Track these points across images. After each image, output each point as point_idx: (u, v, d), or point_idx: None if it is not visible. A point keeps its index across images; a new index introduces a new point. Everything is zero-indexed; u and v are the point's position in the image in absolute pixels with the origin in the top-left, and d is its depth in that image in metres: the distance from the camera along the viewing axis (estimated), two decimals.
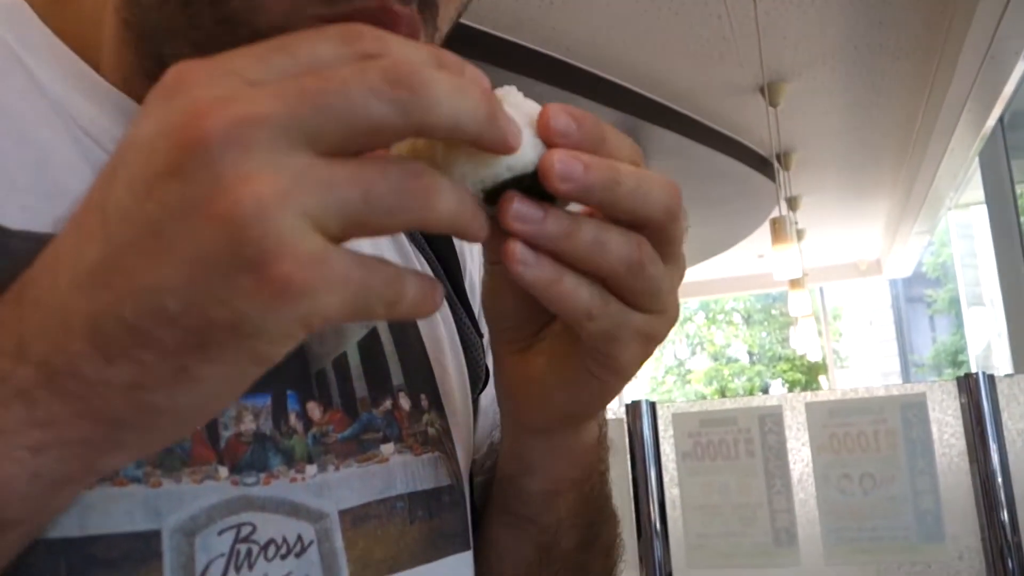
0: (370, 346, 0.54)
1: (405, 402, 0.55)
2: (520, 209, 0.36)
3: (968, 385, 1.99)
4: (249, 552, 0.44)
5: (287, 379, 0.49)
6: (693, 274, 11.00)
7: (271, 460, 0.47)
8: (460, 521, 0.56)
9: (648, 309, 0.41)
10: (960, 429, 2.00)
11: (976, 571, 1.94)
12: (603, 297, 0.40)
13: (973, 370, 2.03)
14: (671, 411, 2.29)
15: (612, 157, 0.37)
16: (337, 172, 0.29)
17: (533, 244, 0.37)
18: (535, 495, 0.56)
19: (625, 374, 0.44)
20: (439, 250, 0.65)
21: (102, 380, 0.30)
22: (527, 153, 0.36)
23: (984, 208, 6.54)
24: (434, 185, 0.31)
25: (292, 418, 0.48)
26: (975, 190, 7.27)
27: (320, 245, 0.28)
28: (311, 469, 0.48)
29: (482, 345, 0.65)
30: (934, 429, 2.02)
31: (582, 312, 0.39)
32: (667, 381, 18.90)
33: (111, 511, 0.40)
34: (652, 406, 2.30)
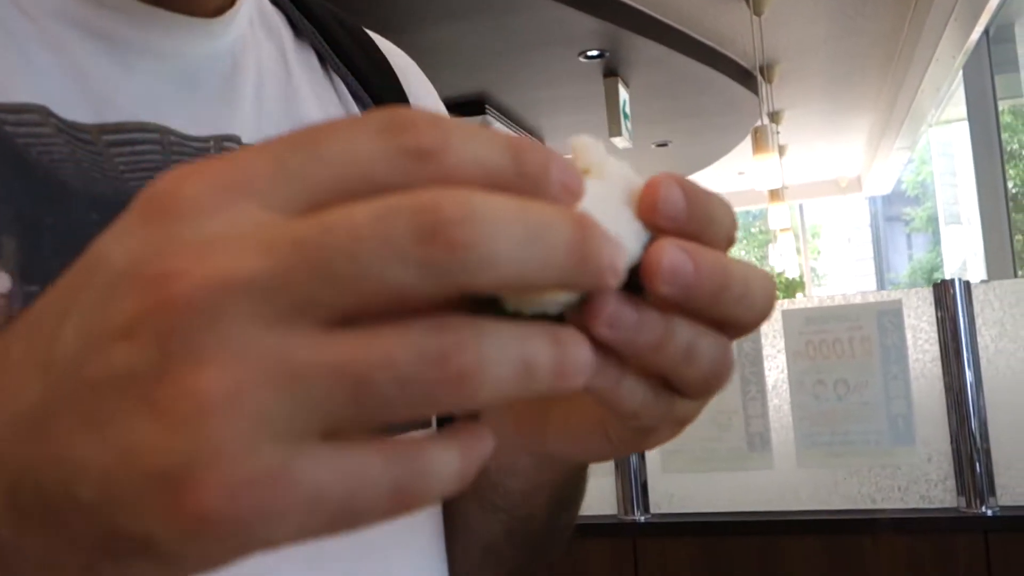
0: None
1: None
2: (617, 313, 0.28)
3: (944, 292, 2.00)
4: None
5: None
6: None
7: None
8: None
9: (699, 398, 0.35)
10: (934, 336, 2.01)
11: (944, 474, 1.98)
12: (657, 395, 0.33)
13: None
14: None
15: (717, 239, 0.31)
16: (323, 356, 0.21)
17: (603, 345, 0.29)
18: (514, 492, 0.54)
19: (645, 449, 0.40)
20: (381, 95, 0.61)
21: (16, 548, 0.25)
22: (625, 242, 0.28)
23: (966, 125, 6.52)
24: (474, 367, 0.22)
25: None
26: (957, 107, 7.24)
27: (275, 460, 0.21)
28: None
29: None
30: (909, 336, 2.04)
31: (630, 413, 0.33)
32: None
33: None
34: None
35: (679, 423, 0.36)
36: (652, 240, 0.29)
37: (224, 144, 0.49)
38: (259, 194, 0.22)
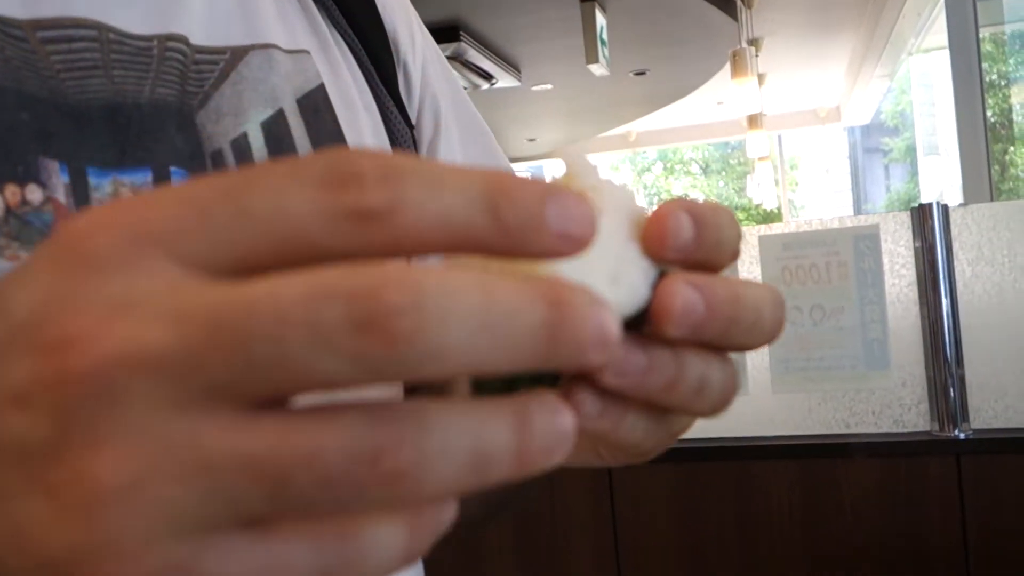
0: (276, 128, 0.50)
1: None
2: (626, 360, 0.26)
3: (921, 215, 1.97)
4: None
5: (173, 156, 0.45)
6: (651, 123, 10.88)
7: None
8: None
9: (705, 417, 0.33)
10: (911, 260, 1.99)
11: (918, 398, 1.98)
12: (659, 423, 0.31)
13: None
14: None
15: (724, 259, 0.29)
16: (237, 447, 0.18)
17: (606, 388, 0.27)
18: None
19: (636, 462, 0.37)
20: (360, 25, 0.59)
21: None
22: (632, 284, 0.27)
23: (946, 55, 6.45)
24: (412, 465, 0.19)
25: None
26: (938, 35, 7.15)
27: (179, 556, 0.19)
28: None
29: (413, 138, 0.61)
30: (886, 260, 2.02)
31: (630, 445, 0.31)
32: None
33: None
34: None
35: (675, 436, 0.33)
36: (661, 276, 0.27)
37: (168, 44, 0.46)
38: (179, 250, 0.20)
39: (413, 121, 0.62)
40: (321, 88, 0.53)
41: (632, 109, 9.25)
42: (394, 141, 0.59)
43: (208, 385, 0.18)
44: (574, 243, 0.21)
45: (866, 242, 2.02)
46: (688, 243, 0.27)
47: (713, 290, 0.27)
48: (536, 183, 0.21)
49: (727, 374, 0.30)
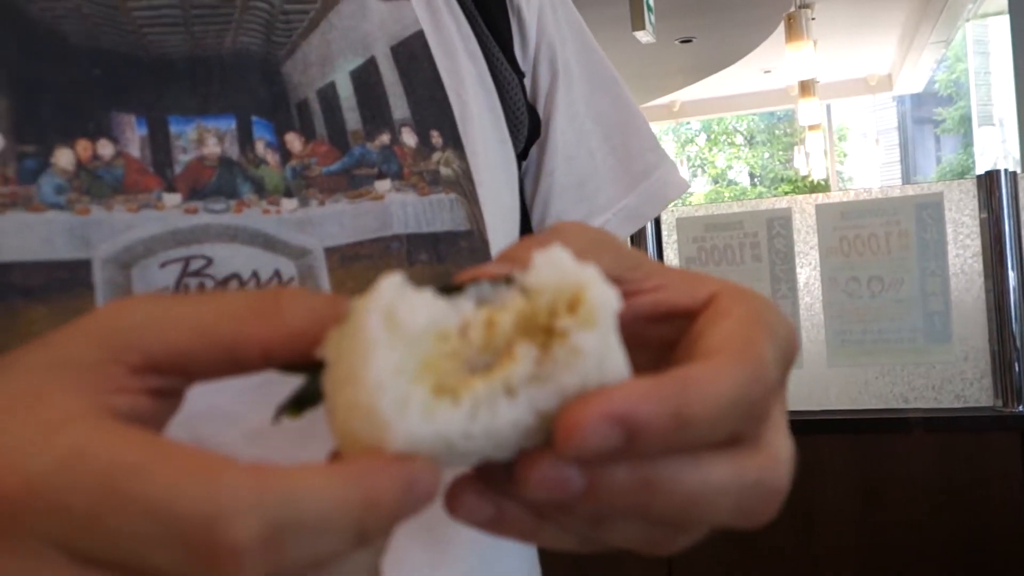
0: (366, 76, 0.49)
1: (410, 138, 0.50)
2: (547, 476, 0.25)
3: (988, 184, 1.90)
4: (201, 286, 0.41)
5: (256, 106, 0.45)
6: (696, 92, 10.71)
7: (240, 187, 0.43)
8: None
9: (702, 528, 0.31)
10: (976, 230, 1.93)
11: (981, 372, 1.92)
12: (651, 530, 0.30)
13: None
14: (675, 216, 2.21)
15: (711, 437, 0.27)
16: None
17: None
18: None
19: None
20: None
21: None
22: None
23: (1006, 19, 6.25)
24: None
25: (260, 146, 0.45)
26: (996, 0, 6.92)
27: None
28: (289, 203, 0.45)
29: (522, 86, 0.60)
30: (949, 230, 1.95)
31: (620, 546, 0.30)
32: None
33: (26, 237, 0.38)
34: None
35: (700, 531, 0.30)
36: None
37: (250, 2, 0.46)
38: (67, 547, 0.23)
39: (525, 69, 0.61)
40: (419, 35, 0.52)
41: (677, 78, 9.11)
42: (501, 89, 0.58)
43: None
44: (416, 514, 0.24)
45: (929, 211, 1.96)
46: (595, 453, 0.24)
47: (608, 473, 0.25)
48: (401, 475, 0.23)
49: (655, 535, 0.28)
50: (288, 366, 0.27)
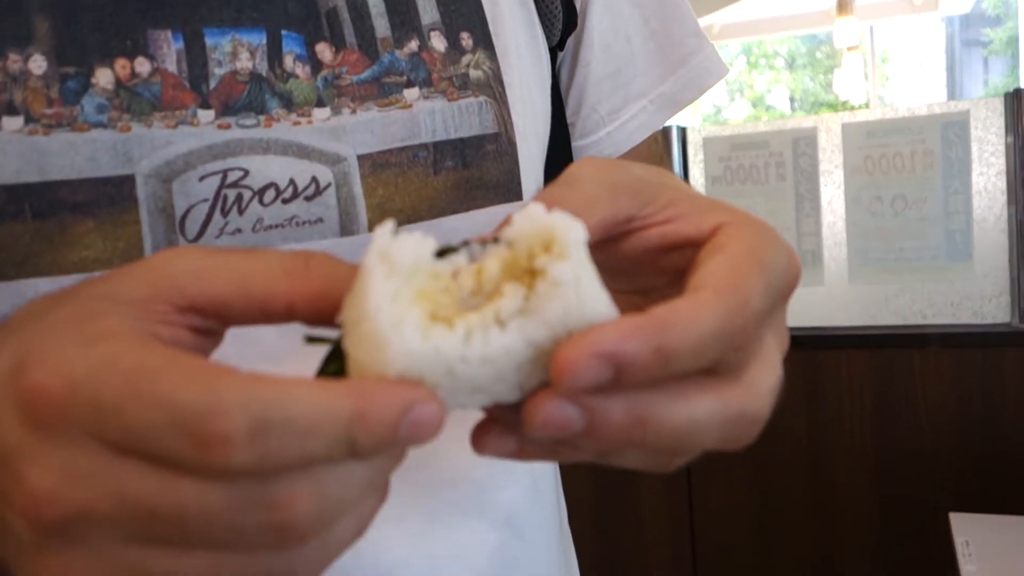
0: None
1: (439, 42, 0.50)
2: (550, 414, 0.27)
3: (1016, 102, 1.89)
4: (239, 197, 0.43)
5: (285, 18, 0.45)
6: (735, 14, 10.43)
7: (268, 103, 0.44)
8: (506, 171, 0.52)
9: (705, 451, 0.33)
10: (1001, 148, 1.93)
11: (1000, 290, 1.95)
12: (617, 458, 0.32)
13: None
14: (702, 135, 2.23)
15: (693, 367, 0.28)
16: (171, 569, 0.26)
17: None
18: None
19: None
20: None
21: None
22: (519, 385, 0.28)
23: None
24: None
25: (289, 61, 0.45)
26: None
27: None
28: (321, 112, 0.46)
29: None
30: (974, 148, 1.95)
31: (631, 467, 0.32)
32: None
33: (72, 156, 0.40)
34: (682, 131, 2.24)
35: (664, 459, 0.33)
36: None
37: None
38: (97, 434, 0.26)
39: None
40: None
41: None
42: None
43: (143, 537, 0.26)
44: (422, 443, 0.26)
45: (955, 129, 1.96)
46: (588, 387, 0.26)
47: (604, 412, 0.27)
48: (397, 395, 0.25)
49: (653, 459, 0.31)
50: (314, 338, 0.30)
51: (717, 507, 2.10)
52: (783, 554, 2.05)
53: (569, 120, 0.62)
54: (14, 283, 0.39)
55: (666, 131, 2.21)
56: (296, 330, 0.30)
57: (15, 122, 0.39)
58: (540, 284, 0.27)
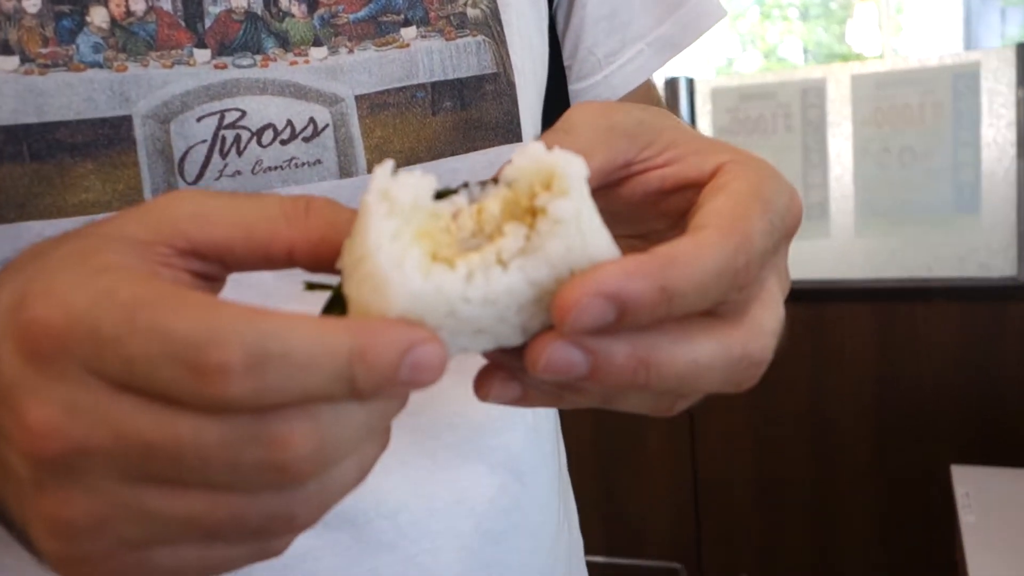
0: None
1: None
2: (553, 358, 0.27)
3: None
4: (238, 138, 0.43)
5: None
6: None
7: (264, 42, 0.44)
8: (505, 112, 0.51)
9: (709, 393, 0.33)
10: (1012, 99, 1.91)
11: (1007, 243, 1.94)
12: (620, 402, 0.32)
13: None
14: (710, 86, 2.21)
15: (696, 308, 0.28)
16: (173, 506, 0.26)
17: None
18: None
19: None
20: None
21: None
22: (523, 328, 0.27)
23: None
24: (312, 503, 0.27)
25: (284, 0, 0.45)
26: None
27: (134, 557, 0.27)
28: (318, 52, 0.45)
29: None
30: (984, 100, 1.93)
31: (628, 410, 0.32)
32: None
33: (70, 97, 0.40)
34: (690, 82, 2.22)
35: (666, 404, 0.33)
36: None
37: None
38: (95, 369, 0.26)
39: None
40: None
41: None
42: None
43: (140, 474, 0.26)
44: (423, 386, 0.25)
45: (965, 81, 1.94)
46: (591, 327, 0.26)
47: (607, 355, 0.27)
48: (398, 335, 0.24)
49: (656, 403, 0.31)
50: (315, 285, 0.30)
51: (719, 456, 2.12)
52: (784, 503, 2.07)
53: (566, 63, 0.61)
54: (14, 226, 0.39)
55: (674, 82, 2.19)
56: (297, 275, 0.30)
57: (11, 62, 0.39)
58: (541, 222, 0.26)
